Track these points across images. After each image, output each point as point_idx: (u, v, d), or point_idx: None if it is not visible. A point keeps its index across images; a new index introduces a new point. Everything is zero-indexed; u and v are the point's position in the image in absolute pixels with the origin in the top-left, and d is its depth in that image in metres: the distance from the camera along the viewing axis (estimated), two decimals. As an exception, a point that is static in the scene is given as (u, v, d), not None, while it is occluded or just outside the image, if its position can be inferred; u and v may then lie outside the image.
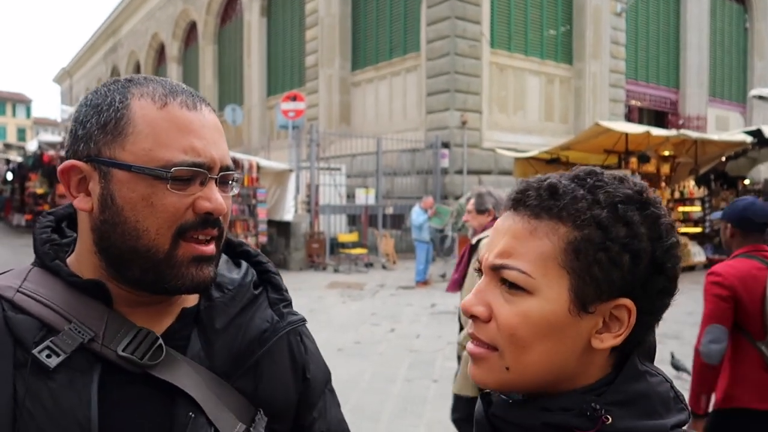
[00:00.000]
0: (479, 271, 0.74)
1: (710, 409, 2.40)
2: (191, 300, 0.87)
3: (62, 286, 0.79)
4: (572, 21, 18.17)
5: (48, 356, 0.72)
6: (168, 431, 0.76)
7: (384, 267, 13.04)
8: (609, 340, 0.67)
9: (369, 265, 13.07)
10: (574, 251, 0.66)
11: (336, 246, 13.31)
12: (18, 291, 0.77)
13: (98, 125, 0.78)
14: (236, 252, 0.96)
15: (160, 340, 0.79)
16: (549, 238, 0.67)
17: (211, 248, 0.80)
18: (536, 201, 0.68)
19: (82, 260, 0.82)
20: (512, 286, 0.68)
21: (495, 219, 3.34)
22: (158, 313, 0.83)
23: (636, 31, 20.48)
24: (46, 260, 0.81)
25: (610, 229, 0.65)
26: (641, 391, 0.67)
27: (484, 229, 3.43)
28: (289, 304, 0.94)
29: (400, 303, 8.91)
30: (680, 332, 7.10)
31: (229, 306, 0.86)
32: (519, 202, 0.70)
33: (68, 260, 0.84)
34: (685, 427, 0.67)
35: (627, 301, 0.66)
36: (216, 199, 0.78)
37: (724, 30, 23.94)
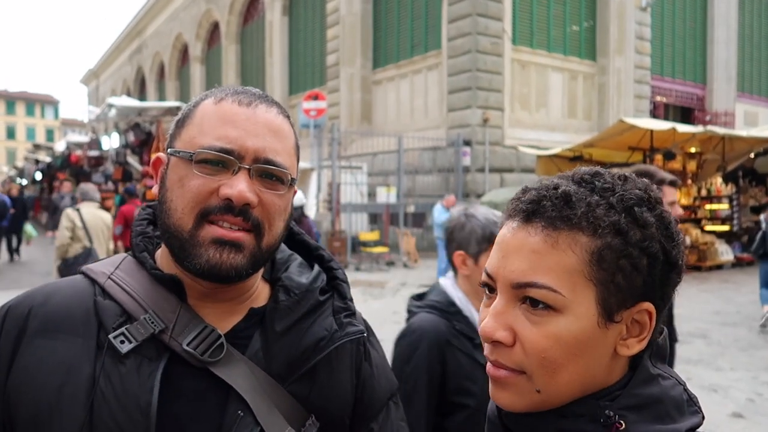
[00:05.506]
0: (488, 286, 0.69)
1: None
2: (260, 300, 0.90)
3: (146, 276, 0.84)
4: (596, 16, 17.95)
5: (122, 342, 0.77)
6: (218, 426, 0.78)
7: (405, 265, 13.04)
8: (635, 346, 0.66)
9: (390, 263, 13.09)
10: (598, 261, 0.63)
11: (357, 244, 13.34)
12: (109, 278, 0.83)
13: (176, 124, 0.87)
14: (312, 255, 0.98)
15: (222, 339, 0.82)
16: (572, 249, 0.63)
17: (235, 234, 0.79)
18: (553, 211, 0.64)
19: (163, 251, 0.87)
20: (536, 305, 0.64)
21: None
22: (227, 310, 0.86)
23: (661, 25, 20.14)
24: (136, 251, 0.87)
25: (629, 234, 0.63)
26: (654, 395, 0.65)
27: None
28: (352, 314, 0.93)
29: (422, 301, 8.89)
30: (707, 331, 6.90)
31: (293, 310, 0.87)
32: (533, 213, 0.66)
33: (157, 252, 0.89)
34: (699, 430, 0.66)
35: (648, 305, 0.65)
36: (238, 187, 0.78)
37: (753, 24, 23.44)
